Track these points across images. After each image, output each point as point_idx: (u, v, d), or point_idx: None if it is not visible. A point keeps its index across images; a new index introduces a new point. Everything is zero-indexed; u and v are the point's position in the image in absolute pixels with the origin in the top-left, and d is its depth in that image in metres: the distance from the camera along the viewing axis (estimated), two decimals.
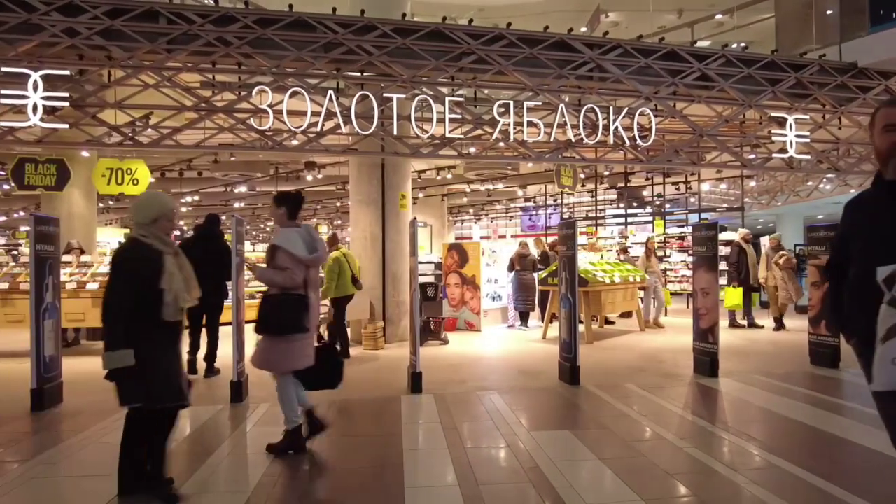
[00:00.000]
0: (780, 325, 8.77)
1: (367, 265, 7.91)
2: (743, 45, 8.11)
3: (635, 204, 17.65)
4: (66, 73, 5.86)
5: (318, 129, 6.04)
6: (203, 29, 5.96)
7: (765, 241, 9.61)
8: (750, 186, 15.75)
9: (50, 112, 5.74)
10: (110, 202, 16.12)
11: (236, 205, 17.21)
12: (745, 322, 9.06)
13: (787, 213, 19.79)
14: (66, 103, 5.73)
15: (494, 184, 14.01)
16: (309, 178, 11.14)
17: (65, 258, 7.38)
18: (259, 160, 10.83)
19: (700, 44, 9.69)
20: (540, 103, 6.64)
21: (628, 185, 14.85)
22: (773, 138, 7.37)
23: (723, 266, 8.46)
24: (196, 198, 16.32)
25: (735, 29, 12.54)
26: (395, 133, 6.15)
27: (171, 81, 5.93)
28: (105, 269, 7.68)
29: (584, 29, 13.50)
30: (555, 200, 18.41)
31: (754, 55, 7.52)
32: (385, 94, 6.09)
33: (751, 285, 8.94)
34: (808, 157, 7.80)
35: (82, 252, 8.21)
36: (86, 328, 7.79)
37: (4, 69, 5.65)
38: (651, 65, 6.93)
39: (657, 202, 16.11)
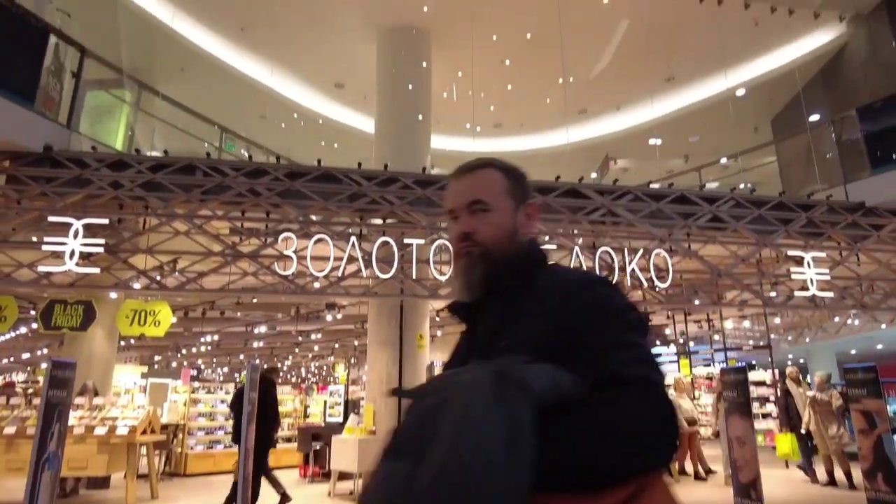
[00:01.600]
0: (830, 480, 7.96)
1: (383, 409, 7.63)
2: (751, 186, 8.43)
3: (658, 343, 17.25)
4: (106, 221, 6.22)
5: (340, 273, 6.18)
6: (236, 181, 6.39)
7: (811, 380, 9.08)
8: (775, 323, 15.44)
9: (85, 257, 6.00)
10: (132, 340, 16.25)
11: (255, 344, 17.21)
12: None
13: (817, 349, 19.14)
14: (102, 249, 6.00)
15: None
16: (329, 318, 11.23)
17: (77, 400, 7.27)
18: (281, 301, 11.03)
19: (709, 185, 10.12)
20: (555, 247, 6.79)
21: (650, 323, 14.61)
22: (793, 276, 7.33)
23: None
24: (216, 337, 16.42)
25: (741, 172, 13.10)
26: (413, 276, 6.26)
27: (202, 228, 6.24)
28: (117, 411, 7.52)
29: (594, 174, 14.22)
30: None
31: (763, 197, 7.74)
32: (405, 240, 6.30)
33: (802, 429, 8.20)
34: (830, 294, 7.69)
35: (96, 393, 8.12)
36: (87, 477, 7.44)
37: (51, 219, 6.01)
38: (662, 208, 7.15)
39: (681, 341, 15.74)
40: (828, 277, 7.48)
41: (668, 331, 15.69)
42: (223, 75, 10.91)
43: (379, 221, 6.73)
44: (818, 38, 9.99)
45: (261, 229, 6.49)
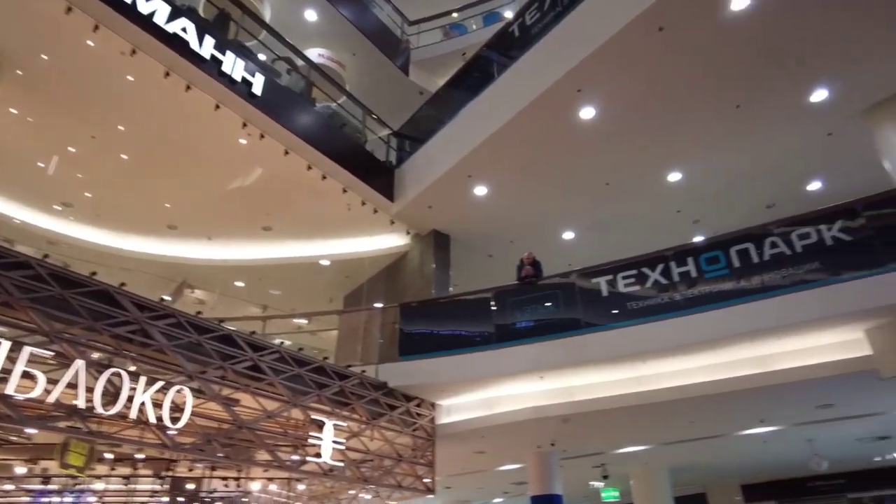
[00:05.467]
0: None
1: None
2: (300, 347, 8.79)
3: (182, 499, 15.27)
4: None
5: None
6: None
7: None
8: (299, 490, 15.61)
9: None
10: None
11: None
12: None
13: None
14: None
15: None
16: None
17: None
18: None
19: (278, 340, 10.20)
20: (53, 353, 5.37)
21: (170, 473, 12.95)
22: (310, 440, 7.47)
23: None
24: None
25: (309, 334, 13.83)
26: None
27: None
28: None
29: (168, 297, 12.98)
30: (75, 484, 14.61)
31: (307, 357, 8.04)
32: None
33: None
34: (341, 464, 8.06)
35: None
36: None
37: None
38: (204, 343, 6.62)
39: (207, 499, 14.28)
40: (343, 447, 7.89)
41: (190, 486, 14.13)
42: None
43: None
44: (391, 240, 11.96)
45: None
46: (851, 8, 6.87)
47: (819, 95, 8.22)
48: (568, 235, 11.92)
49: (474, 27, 14.45)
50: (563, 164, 9.62)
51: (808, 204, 8.57)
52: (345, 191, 10.30)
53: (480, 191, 10.26)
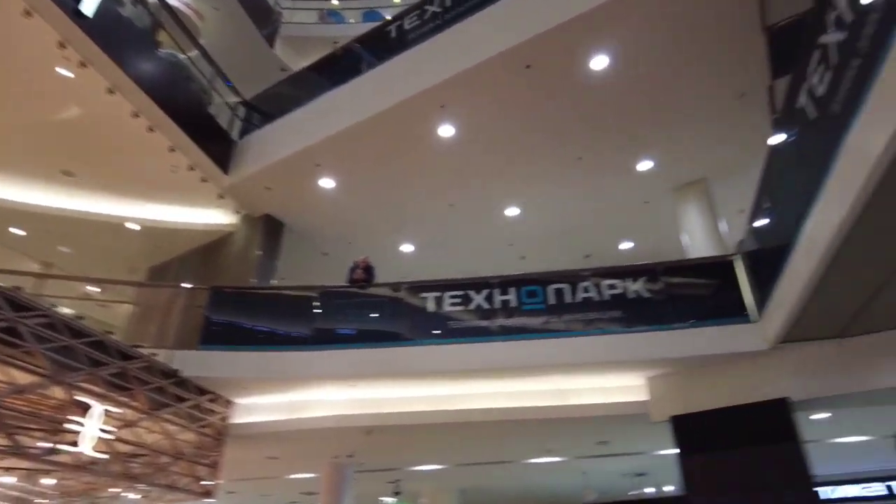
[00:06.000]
0: None
1: None
2: (80, 315, 7.50)
3: None
4: None
5: None
6: None
7: None
8: (44, 485, 13.34)
9: None
10: None
11: None
12: None
13: None
14: None
15: None
16: None
17: None
18: None
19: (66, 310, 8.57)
20: None
21: None
22: (69, 425, 6.33)
23: None
24: None
25: (98, 304, 12.00)
26: None
27: None
28: None
29: None
30: None
31: (85, 328, 6.85)
32: None
33: None
34: (105, 456, 6.96)
35: None
36: None
37: None
38: None
39: None
40: (111, 438, 6.82)
41: None
42: None
43: None
44: (216, 216, 10.91)
45: None
46: (675, 106, 7.96)
47: (645, 165, 9.26)
48: (407, 248, 11.92)
49: (352, 20, 14.07)
50: (415, 175, 9.61)
51: (618, 259, 9.53)
52: (172, 150, 9.15)
53: (327, 183, 9.82)
